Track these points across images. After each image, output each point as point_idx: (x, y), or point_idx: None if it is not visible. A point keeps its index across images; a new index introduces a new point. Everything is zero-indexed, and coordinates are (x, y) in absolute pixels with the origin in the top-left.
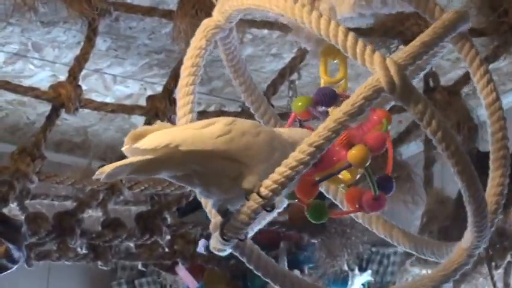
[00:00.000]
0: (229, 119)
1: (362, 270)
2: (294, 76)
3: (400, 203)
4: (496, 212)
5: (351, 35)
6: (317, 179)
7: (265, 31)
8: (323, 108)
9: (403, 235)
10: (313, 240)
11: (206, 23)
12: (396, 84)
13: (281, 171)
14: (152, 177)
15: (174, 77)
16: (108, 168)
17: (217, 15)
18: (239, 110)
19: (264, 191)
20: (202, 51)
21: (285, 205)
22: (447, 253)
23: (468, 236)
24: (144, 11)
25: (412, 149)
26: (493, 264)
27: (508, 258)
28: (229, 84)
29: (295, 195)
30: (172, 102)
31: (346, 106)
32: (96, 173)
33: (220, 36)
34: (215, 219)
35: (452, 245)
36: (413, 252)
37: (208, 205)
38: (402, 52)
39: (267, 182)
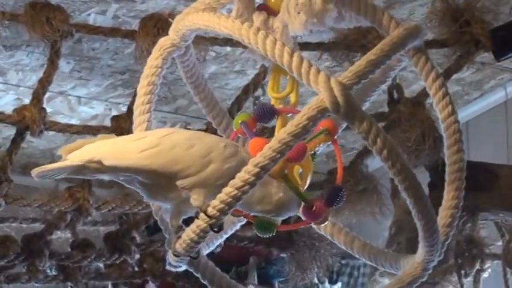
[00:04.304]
0: (166, 130)
1: (332, 282)
2: (258, 92)
3: (368, 215)
4: (451, 225)
5: (296, 55)
6: None
7: (228, 48)
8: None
9: (363, 247)
10: (282, 254)
11: (162, 42)
12: (340, 104)
13: (228, 191)
14: (120, 197)
15: None
16: (39, 169)
17: (172, 34)
18: (204, 127)
19: (211, 210)
20: (159, 69)
21: (237, 227)
22: (404, 265)
23: (420, 250)
24: (106, 32)
25: (379, 161)
26: (463, 272)
27: (477, 266)
28: (193, 102)
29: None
30: None
31: (290, 127)
32: (32, 171)
33: (177, 54)
34: (170, 236)
35: (410, 257)
36: (373, 264)
37: (163, 222)
38: (348, 71)
39: (215, 202)
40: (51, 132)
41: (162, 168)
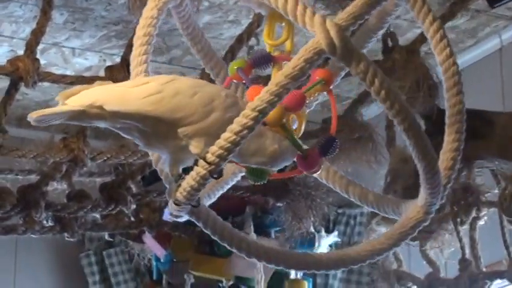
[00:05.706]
0: (168, 77)
1: (329, 231)
2: (252, 41)
3: (364, 164)
4: (453, 168)
5: None
6: None
7: None
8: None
9: (365, 194)
10: (278, 204)
11: None
12: (337, 45)
13: (226, 137)
14: (115, 148)
15: (131, 47)
16: (37, 113)
17: None
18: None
19: (210, 157)
20: (154, 20)
21: (238, 177)
22: (406, 210)
23: (422, 193)
24: None
25: (374, 110)
26: (459, 220)
27: (473, 214)
28: (188, 52)
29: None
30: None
31: (287, 69)
32: (30, 114)
33: (172, 5)
34: (170, 185)
35: (411, 202)
36: (375, 211)
37: (162, 172)
38: (343, 13)
39: (213, 148)
40: (46, 84)
41: (165, 114)
